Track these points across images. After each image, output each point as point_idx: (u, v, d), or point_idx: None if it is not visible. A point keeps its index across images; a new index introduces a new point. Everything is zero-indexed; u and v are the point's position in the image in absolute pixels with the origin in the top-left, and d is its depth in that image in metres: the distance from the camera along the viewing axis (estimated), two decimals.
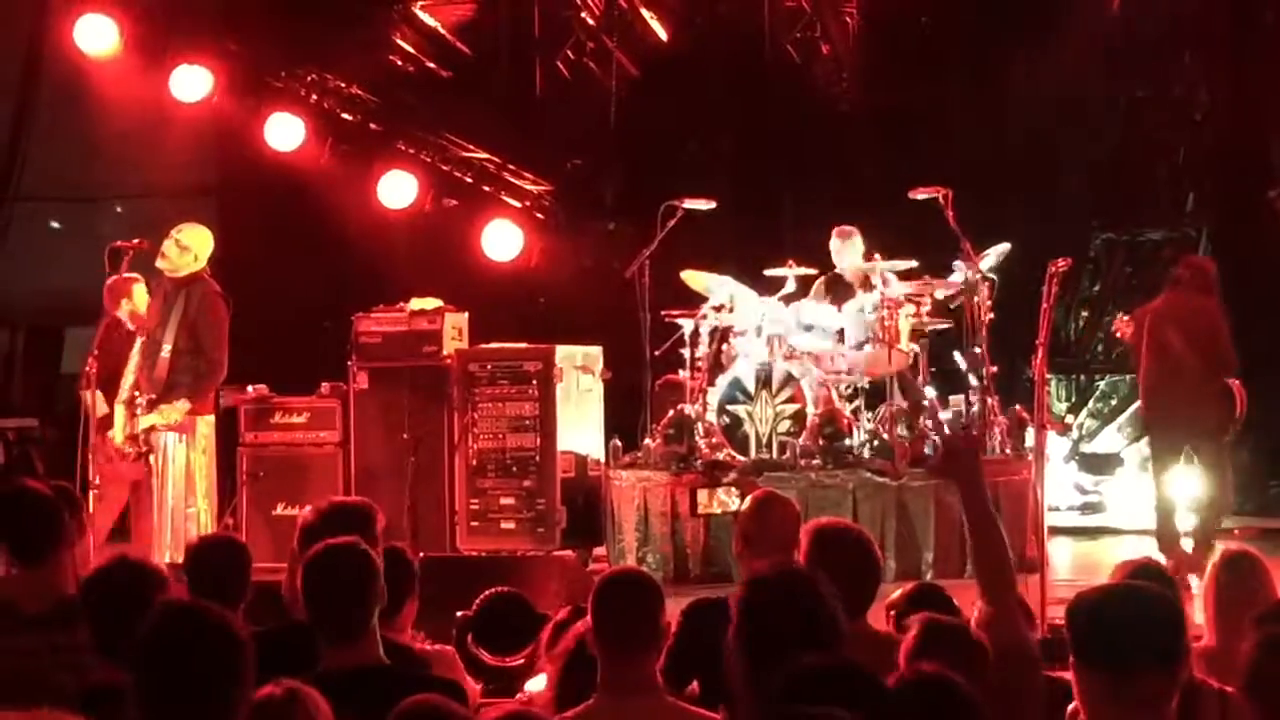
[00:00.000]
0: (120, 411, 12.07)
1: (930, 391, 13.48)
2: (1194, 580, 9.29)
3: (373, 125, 16.57)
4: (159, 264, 12.30)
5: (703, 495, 12.64)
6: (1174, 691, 4.24)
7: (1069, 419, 16.29)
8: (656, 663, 5.27)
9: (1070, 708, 4.82)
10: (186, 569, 6.71)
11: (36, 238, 17.50)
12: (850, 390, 13.57)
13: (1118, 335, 13.07)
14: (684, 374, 13.40)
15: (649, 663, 5.23)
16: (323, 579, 5.52)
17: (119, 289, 12.58)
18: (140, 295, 12.61)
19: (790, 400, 13.01)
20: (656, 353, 13.48)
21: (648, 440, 13.33)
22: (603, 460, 13.16)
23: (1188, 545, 12.35)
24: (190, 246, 12.29)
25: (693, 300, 13.55)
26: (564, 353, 12.88)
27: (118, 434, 12.05)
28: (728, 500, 12.30)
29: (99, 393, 12.26)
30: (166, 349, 12.07)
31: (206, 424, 12.25)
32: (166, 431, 11.98)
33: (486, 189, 16.85)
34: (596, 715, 5.10)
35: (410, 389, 12.94)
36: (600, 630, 5.20)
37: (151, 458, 11.99)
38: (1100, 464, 16.34)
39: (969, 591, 6.24)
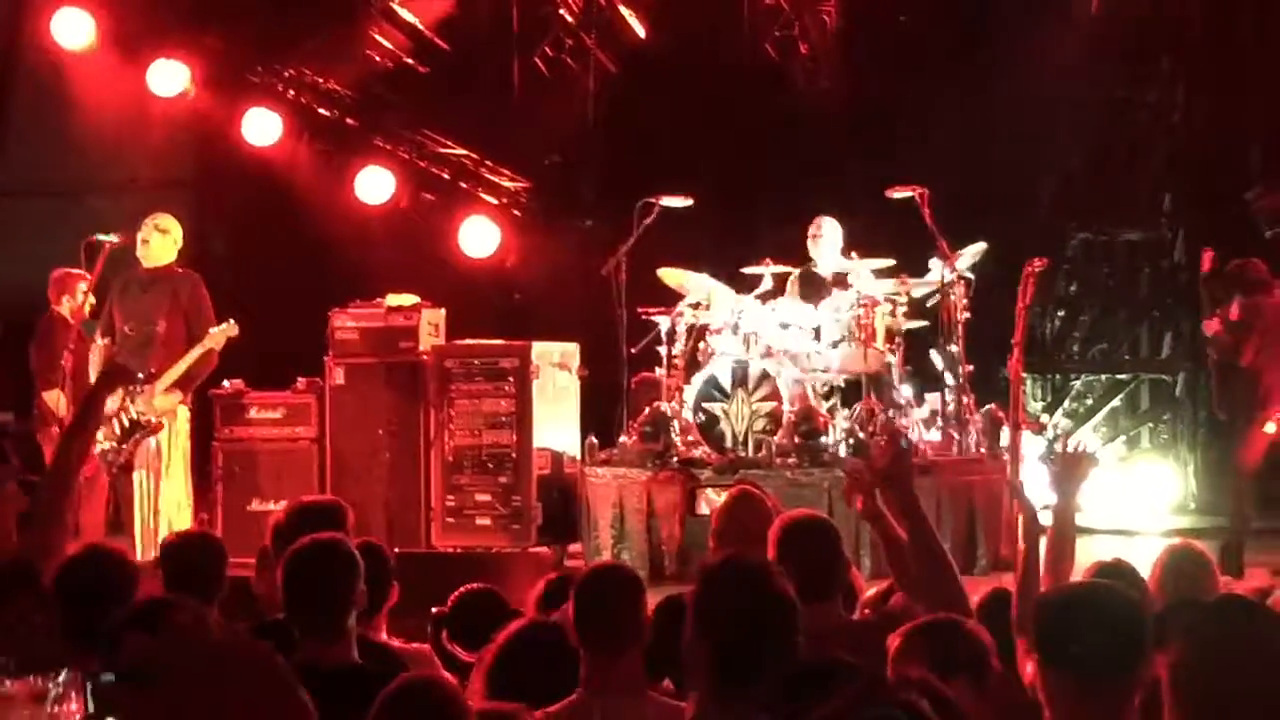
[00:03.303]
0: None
1: (906, 390, 13.50)
2: None
3: (350, 121, 16.55)
4: (140, 253, 12.27)
5: (698, 496, 12.66)
6: (1136, 691, 4.26)
7: (1044, 418, 16.32)
8: (640, 658, 5.26)
9: None
10: (162, 564, 6.68)
11: (12, 231, 17.44)
12: (826, 388, 13.59)
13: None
14: (660, 371, 13.41)
15: (633, 659, 5.21)
16: (307, 574, 5.51)
17: (64, 283, 12.56)
18: (80, 293, 12.54)
19: (766, 398, 13.00)
20: (633, 350, 13.49)
21: (624, 437, 13.34)
22: (579, 457, 13.17)
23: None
24: (170, 231, 12.35)
25: (670, 298, 13.55)
26: (541, 349, 12.89)
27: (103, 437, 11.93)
28: (717, 500, 12.33)
29: (58, 391, 12.24)
30: (152, 338, 12.02)
31: (184, 413, 12.24)
32: (153, 424, 11.93)
33: (464, 185, 16.84)
34: (579, 712, 5.08)
35: (386, 385, 12.95)
36: (582, 626, 5.17)
37: (153, 439, 11.94)
38: None
39: None
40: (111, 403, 11.81)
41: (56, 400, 12.29)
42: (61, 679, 2.78)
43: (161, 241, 12.28)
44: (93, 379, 12.05)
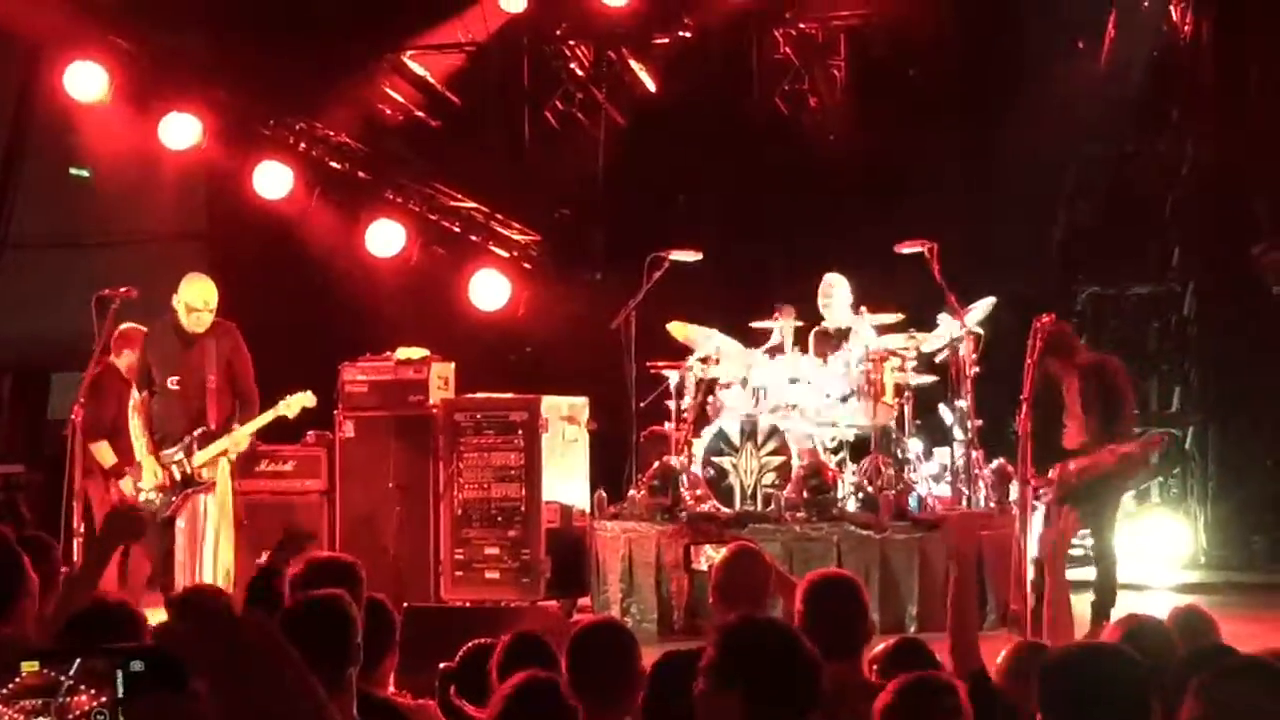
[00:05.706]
0: (150, 463, 11.84)
1: (915, 445, 13.50)
2: None
3: (361, 174, 16.61)
4: (188, 326, 12.02)
5: (694, 552, 12.65)
6: None
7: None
8: (638, 712, 5.26)
9: None
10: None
11: (24, 283, 17.49)
12: (835, 443, 13.59)
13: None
14: (669, 425, 13.43)
15: (629, 712, 5.22)
16: (298, 632, 5.50)
17: (128, 337, 12.51)
18: (136, 348, 12.49)
19: (775, 452, 13.01)
20: (642, 404, 13.52)
21: (633, 491, 13.34)
22: (588, 511, 13.17)
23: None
24: (208, 296, 12.15)
25: (679, 352, 13.57)
26: (550, 403, 12.90)
27: (149, 480, 11.79)
28: (714, 556, 12.31)
29: (105, 443, 12.25)
30: (204, 393, 11.94)
31: (224, 466, 12.12)
32: (206, 481, 11.81)
33: (474, 238, 16.89)
34: None
35: (396, 438, 12.96)
36: (577, 681, 5.19)
37: (202, 496, 11.83)
38: None
39: None
40: (169, 454, 11.78)
41: (104, 451, 12.26)
42: (73, 670, 2.82)
43: (203, 315, 12.05)
44: (132, 428, 12.03)
